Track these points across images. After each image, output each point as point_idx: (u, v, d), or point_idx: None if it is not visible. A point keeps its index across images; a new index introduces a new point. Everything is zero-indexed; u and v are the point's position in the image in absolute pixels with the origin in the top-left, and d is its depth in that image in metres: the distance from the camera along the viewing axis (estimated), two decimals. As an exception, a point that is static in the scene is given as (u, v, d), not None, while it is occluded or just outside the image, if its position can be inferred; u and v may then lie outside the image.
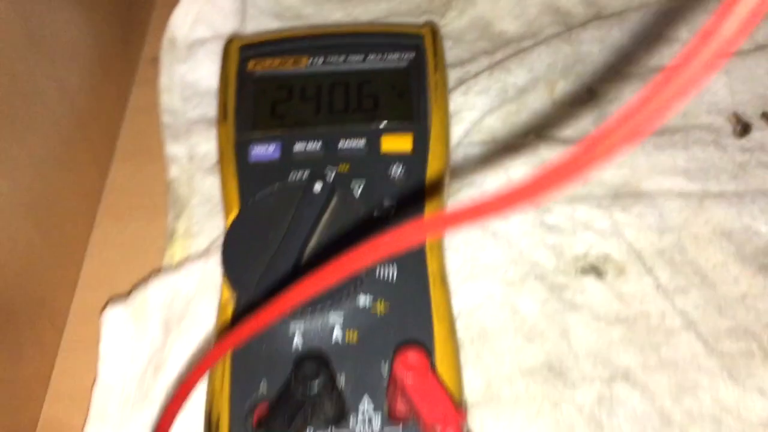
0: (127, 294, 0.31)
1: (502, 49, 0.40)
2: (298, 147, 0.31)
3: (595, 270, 0.33)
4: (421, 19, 0.41)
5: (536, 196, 0.14)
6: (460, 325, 0.31)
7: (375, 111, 0.33)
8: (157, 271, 0.32)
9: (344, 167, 0.30)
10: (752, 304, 0.32)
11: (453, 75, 0.39)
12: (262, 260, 0.27)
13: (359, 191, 0.30)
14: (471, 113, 0.36)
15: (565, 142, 0.36)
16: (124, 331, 0.30)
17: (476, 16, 0.42)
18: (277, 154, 0.31)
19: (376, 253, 0.17)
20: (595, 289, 0.32)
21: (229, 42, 0.35)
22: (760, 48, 0.39)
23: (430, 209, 0.29)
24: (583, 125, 0.37)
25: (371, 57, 0.34)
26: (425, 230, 0.16)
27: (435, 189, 0.29)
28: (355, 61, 0.34)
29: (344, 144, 0.31)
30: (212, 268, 0.31)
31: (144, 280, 0.32)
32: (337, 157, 0.31)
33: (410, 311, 0.28)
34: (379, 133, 0.31)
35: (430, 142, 0.31)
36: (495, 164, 0.35)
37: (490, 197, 0.15)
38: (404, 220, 0.15)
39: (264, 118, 0.33)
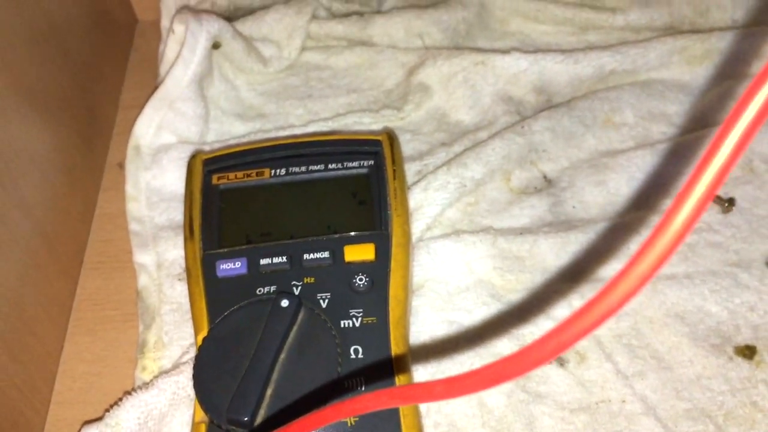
0: (101, 416, 0.31)
1: (459, 141, 0.41)
2: (265, 261, 0.32)
3: (557, 358, 0.34)
4: (380, 113, 0.43)
5: (491, 383, 0.15)
6: (429, 423, 0.32)
7: (337, 220, 0.34)
8: (129, 387, 0.33)
9: (310, 279, 0.31)
10: (707, 385, 0.33)
11: (412, 168, 0.40)
12: (233, 380, 0.28)
13: (326, 303, 0.31)
14: (431, 208, 0.38)
15: (522, 232, 0.37)
16: (99, 454, 0.31)
17: (433, 107, 0.44)
18: (243, 270, 0.32)
19: (340, 414, 0.18)
20: (558, 377, 0.34)
21: (193, 157, 0.36)
22: (703, 129, 0.41)
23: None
24: (538, 213, 0.39)
25: (331, 165, 0.35)
26: (398, 400, 0.18)
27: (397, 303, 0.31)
28: (317, 170, 0.35)
29: (309, 256, 0.32)
30: (184, 383, 0.32)
31: (116, 398, 0.32)
32: (303, 269, 0.32)
33: (379, 421, 0.28)
34: (342, 243, 0.32)
35: (392, 250, 0.32)
36: (457, 259, 0.36)
37: (455, 378, 0.16)
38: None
39: (230, 233, 0.34)
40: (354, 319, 0.31)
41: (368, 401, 0.17)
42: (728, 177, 0.40)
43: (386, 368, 0.30)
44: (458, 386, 0.14)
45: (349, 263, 0.32)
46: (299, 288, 0.31)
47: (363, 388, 0.29)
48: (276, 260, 0.32)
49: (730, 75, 0.43)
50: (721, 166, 0.11)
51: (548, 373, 0.34)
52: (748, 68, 0.43)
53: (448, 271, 0.36)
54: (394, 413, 0.29)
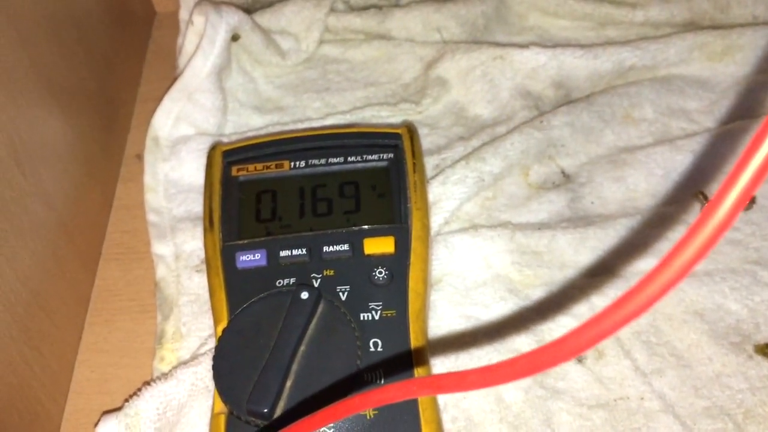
0: (120, 406, 0.31)
1: (477, 135, 0.41)
2: (284, 253, 0.32)
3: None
4: (398, 107, 0.43)
5: (515, 377, 0.15)
6: (446, 417, 0.32)
7: (357, 213, 0.34)
8: (147, 378, 0.33)
9: (329, 272, 0.31)
10: (726, 383, 0.33)
11: (430, 162, 0.40)
12: (253, 372, 0.28)
13: (345, 296, 0.31)
14: (450, 202, 0.37)
15: (541, 227, 0.37)
16: (118, 444, 0.31)
17: (451, 101, 0.44)
18: (263, 261, 0.32)
19: (366, 404, 0.18)
20: (577, 373, 0.33)
21: (213, 148, 0.36)
22: (723, 126, 0.41)
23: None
24: (556, 208, 0.39)
25: (351, 158, 0.35)
26: (416, 391, 0.18)
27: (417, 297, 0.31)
28: (336, 163, 0.35)
29: (328, 248, 0.32)
30: (202, 374, 0.32)
31: (134, 388, 0.32)
32: (322, 261, 0.32)
33: (398, 415, 0.28)
34: (362, 236, 0.32)
35: (411, 243, 0.32)
36: (475, 254, 0.36)
37: (474, 371, 0.16)
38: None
39: (249, 224, 0.34)
40: (373, 312, 0.31)
41: (398, 390, 0.17)
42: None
43: (406, 361, 0.30)
44: (492, 376, 0.14)
45: (369, 256, 0.32)
46: (319, 280, 0.31)
47: (382, 381, 0.29)
48: (296, 252, 0.32)
49: (750, 71, 0.43)
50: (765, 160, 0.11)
51: (566, 370, 0.34)
52: (769, 65, 0.43)
53: (466, 265, 0.36)
54: (413, 406, 0.29)
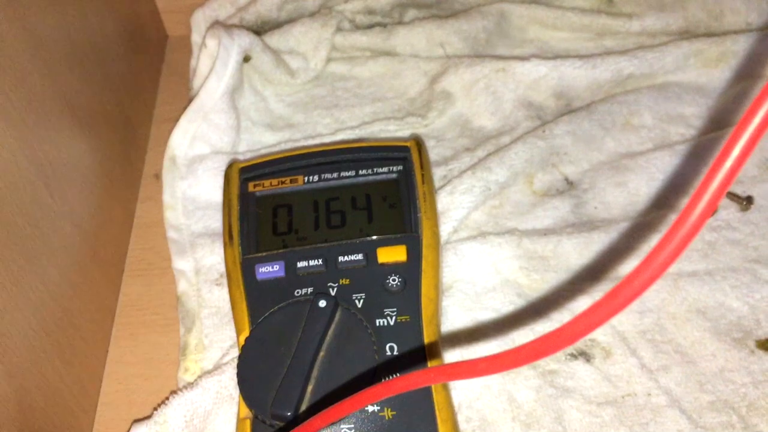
0: (149, 415, 0.33)
1: (482, 146, 0.43)
2: (302, 264, 0.33)
3: (583, 355, 0.35)
4: (405, 120, 0.44)
5: (525, 361, 0.16)
6: (461, 418, 0.33)
7: (370, 224, 0.35)
8: (171, 388, 0.34)
9: (345, 281, 0.33)
10: (730, 378, 0.34)
11: (437, 173, 0.42)
12: (275, 378, 0.30)
13: (361, 303, 0.32)
14: (458, 211, 0.39)
15: (546, 233, 0.39)
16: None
17: (456, 114, 0.45)
18: (282, 272, 0.33)
19: (386, 392, 0.20)
20: (585, 372, 0.35)
21: (230, 166, 0.38)
22: (720, 130, 0.42)
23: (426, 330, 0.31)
24: (561, 214, 0.40)
25: (362, 171, 0.37)
26: (432, 379, 0.19)
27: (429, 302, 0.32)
28: (348, 176, 0.37)
29: (344, 258, 0.33)
30: (226, 382, 0.33)
31: (160, 398, 0.34)
32: (338, 271, 0.33)
33: (415, 415, 0.30)
34: (375, 246, 0.34)
35: (422, 251, 0.34)
36: (484, 261, 0.37)
37: (487, 358, 0.17)
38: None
39: (267, 237, 0.35)
40: (388, 317, 0.32)
41: (417, 378, 0.18)
42: (746, 176, 0.41)
43: (421, 362, 0.31)
44: (499, 362, 0.16)
45: (382, 264, 0.33)
46: (335, 289, 0.33)
47: (399, 384, 0.30)
48: (312, 263, 0.33)
49: (745, 77, 0.44)
50: (731, 167, 0.12)
51: (575, 369, 0.35)
52: (763, 70, 0.44)
53: (476, 272, 0.38)
54: (430, 407, 0.30)
